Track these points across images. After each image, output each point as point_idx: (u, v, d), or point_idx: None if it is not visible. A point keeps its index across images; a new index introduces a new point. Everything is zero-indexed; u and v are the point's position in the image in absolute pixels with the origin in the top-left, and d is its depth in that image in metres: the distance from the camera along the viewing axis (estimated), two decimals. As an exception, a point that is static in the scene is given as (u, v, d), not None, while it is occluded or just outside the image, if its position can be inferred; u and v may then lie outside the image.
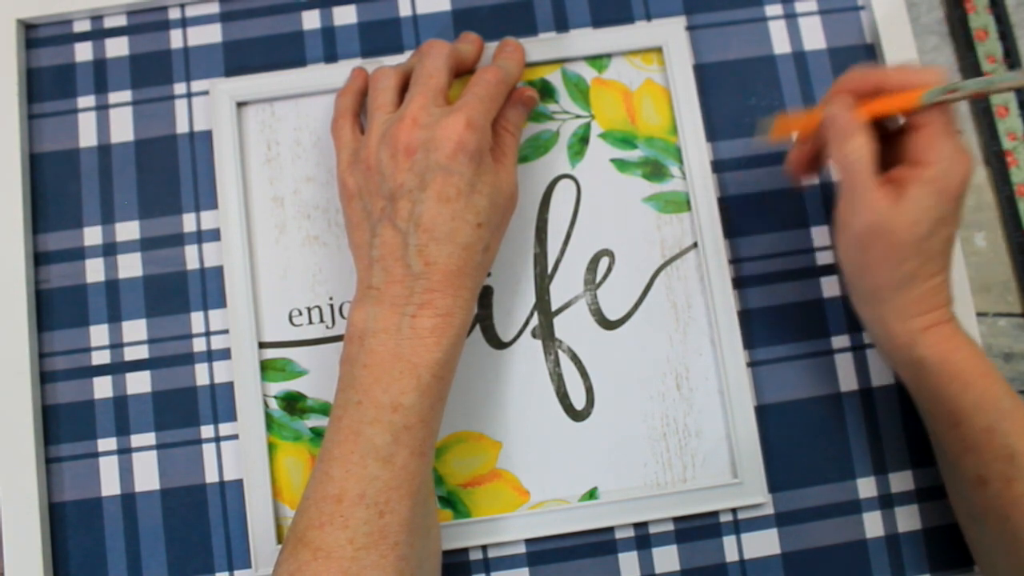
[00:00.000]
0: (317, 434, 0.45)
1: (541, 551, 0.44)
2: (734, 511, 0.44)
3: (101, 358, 0.45)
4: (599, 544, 0.44)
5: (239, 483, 0.44)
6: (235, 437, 0.45)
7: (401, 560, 0.36)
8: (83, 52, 0.49)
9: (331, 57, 0.48)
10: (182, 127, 0.48)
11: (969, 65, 0.50)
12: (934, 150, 0.37)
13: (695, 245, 0.46)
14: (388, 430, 0.37)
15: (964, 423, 0.38)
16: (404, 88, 0.43)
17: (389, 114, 0.41)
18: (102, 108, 0.48)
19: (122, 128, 0.48)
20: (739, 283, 0.46)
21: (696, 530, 0.44)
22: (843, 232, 0.39)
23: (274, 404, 0.45)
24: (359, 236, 0.41)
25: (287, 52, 0.48)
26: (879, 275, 0.38)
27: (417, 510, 0.37)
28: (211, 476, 0.44)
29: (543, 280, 0.46)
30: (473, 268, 0.39)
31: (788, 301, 0.46)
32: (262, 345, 0.45)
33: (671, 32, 0.48)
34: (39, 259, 0.46)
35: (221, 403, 0.45)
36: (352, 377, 0.38)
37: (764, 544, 0.44)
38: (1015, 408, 0.37)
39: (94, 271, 0.46)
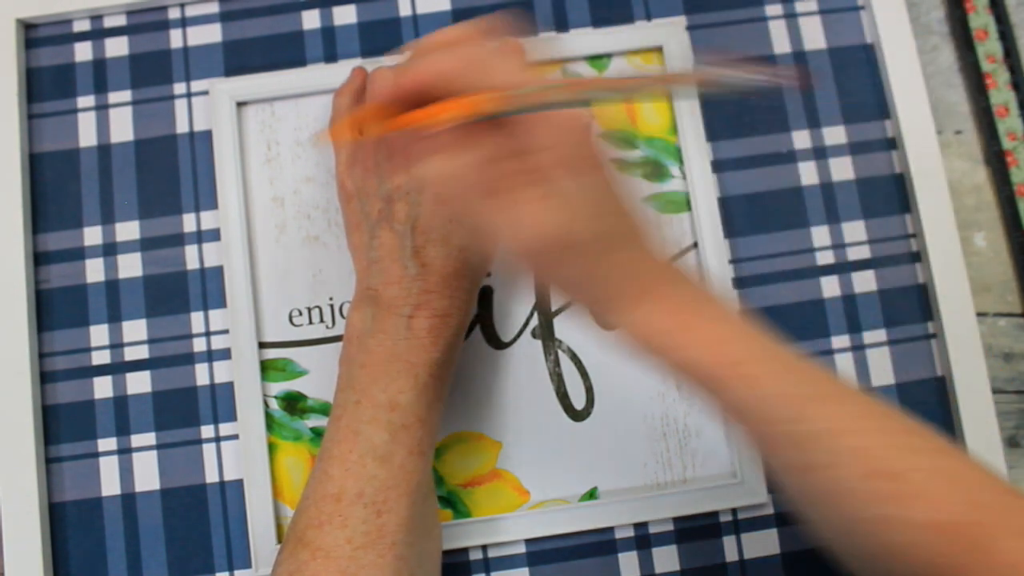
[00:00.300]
0: (317, 434, 0.45)
1: (541, 551, 0.44)
2: (734, 511, 0.44)
3: (101, 358, 0.45)
4: (599, 544, 0.44)
5: (239, 483, 0.44)
6: (235, 437, 0.45)
7: (399, 560, 0.36)
8: (83, 52, 0.48)
9: (331, 57, 0.48)
10: (182, 127, 0.48)
11: (969, 65, 0.50)
12: None
13: (695, 245, 0.46)
14: (386, 429, 0.37)
15: (744, 420, 0.33)
16: None
17: None
18: (102, 108, 0.48)
19: (122, 128, 0.48)
20: (739, 283, 0.46)
21: (696, 530, 0.44)
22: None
23: (274, 404, 0.45)
24: (357, 237, 0.41)
25: (287, 52, 0.48)
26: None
27: (416, 510, 0.37)
28: (211, 476, 0.44)
29: (543, 280, 0.46)
30: (470, 270, 0.40)
31: (788, 301, 0.46)
32: (262, 345, 0.45)
33: (671, 32, 0.48)
34: (39, 259, 0.46)
35: (221, 403, 0.45)
36: (351, 377, 0.38)
37: (764, 544, 0.44)
38: (784, 390, 0.32)
39: (94, 271, 0.46)
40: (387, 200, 0.40)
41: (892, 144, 0.48)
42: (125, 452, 0.45)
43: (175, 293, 0.46)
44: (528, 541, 0.44)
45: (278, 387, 0.45)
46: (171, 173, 0.47)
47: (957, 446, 0.31)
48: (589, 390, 0.45)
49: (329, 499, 0.36)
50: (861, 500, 0.30)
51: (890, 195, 0.47)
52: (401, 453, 0.37)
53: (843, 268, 0.46)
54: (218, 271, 0.46)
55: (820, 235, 0.47)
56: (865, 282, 0.46)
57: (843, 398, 0.32)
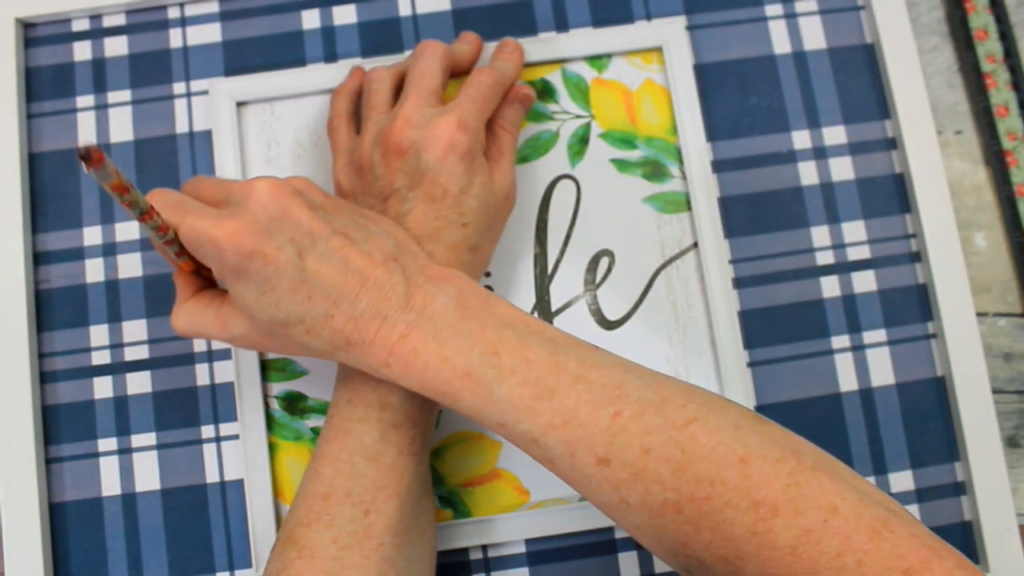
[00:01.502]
0: (318, 434, 0.45)
1: (541, 551, 0.44)
2: (734, 511, 0.44)
3: (101, 358, 0.45)
4: (599, 544, 0.44)
5: (240, 483, 0.44)
6: (236, 437, 0.45)
7: (384, 561, 0.36)
8: (82, 51, 0.48)
9: (331, 57, 0.48)
10: (182, 127, 0.48)
11: (969, 65, 0.50)
12: None
13: (695, 245, 0.46)
14: (376, 428, 0.37)
15: (483, 423, 0.34)
16: (399, 88, 0.44)
17: (383, 114, 0.42)
18: (101, 108, 0.48)
19: (121, 128, 0.48)
20: (739, 283, 0.46)
21: (696, 530, 0.44)
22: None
23: (275, 404, 0.45)
24: None
25: (287, 52, 0.48)
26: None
27: (406, 511, 0.37)
28: (212, 476, 0.44)
29: (543, 280, 0.46)
30: (461, 268, 0.40)
31: (788, 301, 0.46)
32: (262, 345, 0.45)
33: (671, 32, 0.48)
34: (39, 259, 0.46)
35: (222, 403, 0.45)
36: (344, 375, 0.39)
37: (764, 544, 0.44)
38: (511, 393, 0.32)
39: (94, 271, 0.46)
40: (381, 198, 0.40)
41: (892, 144, 0.48)
42: (125, 452, 0.45)
43: (175, 292, 0.46)
44: (528, 541, 0.44)
45: (279, 387, 0.45)
46: (171, 173, 0.47)
47: (695, 411, 0.31)
48: (589, 390, 0.45)
49: (318, 497, 0.36)
50: (598, 487, 0.32)
51: (890, 195, 0.47)
52: (391, 452, 0.37)
53: (843, 268, 0.46)
54: (218, 271, 0.46)
55: (820, 235, 0.47)
56: (865, 282, 0.46)
57: (572, 385, 0.32)
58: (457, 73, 0.45)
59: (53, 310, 0.46)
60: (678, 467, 0.30)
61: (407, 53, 0.48)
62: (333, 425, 0.38)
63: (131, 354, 0.45)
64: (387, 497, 0.36)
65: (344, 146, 0.43)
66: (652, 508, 0.31)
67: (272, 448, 0.45)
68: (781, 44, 0.49)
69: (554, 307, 0.46)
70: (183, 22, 0.49)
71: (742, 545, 0.29)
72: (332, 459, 0.37)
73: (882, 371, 0.46)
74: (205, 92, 0.48)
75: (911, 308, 0.46)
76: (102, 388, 0.45)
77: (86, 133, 0.47)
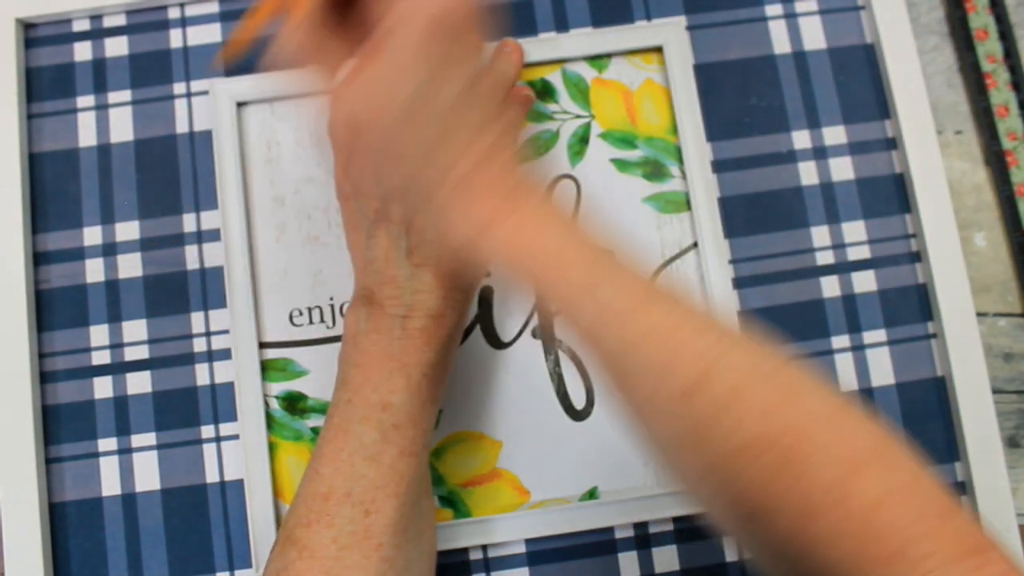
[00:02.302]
0: (318, 434, 0.45)
1: (541, 551, 0.44)
2: (734, 511, 0.44)
3: (101, 358, 0.45)
4: (599, 544, 0.44)
5: (240, 483, 0.44)
6: (236, 437, 0.45)
7: (384, 562, 0.36)
8: (82, 52, 0.48)
9: (331, 57, 0.48)
10: (182, 127, 0.48)
11: (969, 65, 0.50)
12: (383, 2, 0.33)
13: (695, 245, 0.46)
14: (376, 428, 0.37)
15: (571, 327, 0.33)
16: None
17: None
18: (102, 108, 0.48)
19: (122, 128, 0.48)
20: (739, 283, 0.46)
21: (696, 530, 0.44)
22: (332, 134, 0.36)
23: (275, 404, 0.45)
24: (355, 237, 0.42)
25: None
26: (393, 172, 0.34)
27: (405, 511, 0.37)
28: (212, 476, 0.44)
29: (543, 280, 0.46)
30: (466, 271, 0.40)
31: (788, 301, 0.46)
32: (263, 345, 0.45)
33: (671, 32, 0.48)
34: (39, 259, 0.46)
35: (222, 403, 0.45)
36: (345, 376, 0.39)
37: (764, 544, 0.44)
38: (611, 300, 0.31)
39: (94, 271, 0.46)
40: (383, 200, 0.40)
41: (892, 144, 0.48)
42: (125, 452, 0.45)
43: (175, 293, 0.46)
44: (528, 541, 0.44)
45: (279, 387, 0.45)
46: (171, 173, 0.47)
47: (791, 365, 0.30)
48: (589, 390, 0.45)
49: (318, 498, 0.36)
50: (679, 416, 0.30)
51: (890, 195, 0.47)
52: (391, 453, 0.37)
53: (843, 268, 0.46)
54: (218, 271, 0.46)
55: (820, 235, 0.47)
56: (865, 282, 0.46)
57: (670, 309, 0.31)
58: None
59: (53, 310, 0.46)
60: (767, 411, 0.29)
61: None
62: (333, 425, 0.38)
63: (131, 354, 0.45)
64: (387, 497, 0.36)
65: (344, 147, 0.43)
66: (730, 448, 0.29)
67: (272, 448, 0.45)
68: (781, 44, 0.49)
69: (554, 307, 0.46)
70: (183, 22, 0.49)
71: (818, 499, 0.28)
72: (332, 459, 0.37)
73: (882, 371, 0.46)
74: (205, 92, 0.48)
75: (911, 308, 0.46)
76: (102, 388, 0.45)
77: (86, 133, 0.47)
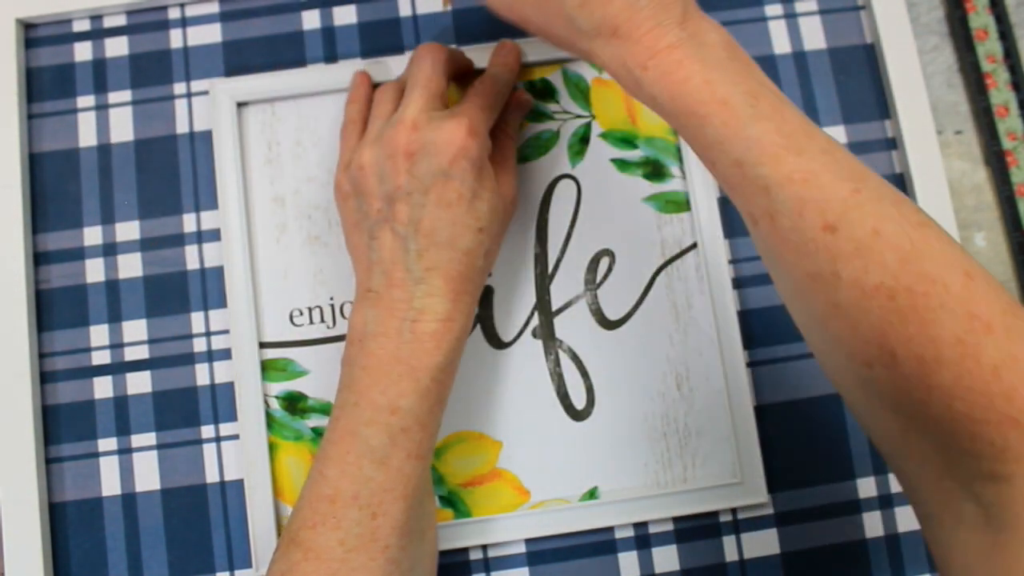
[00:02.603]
0: (318, 434, 0.45)
1: (541, 551, 0.44)
2: (734, 511, 0.44)
3: (101, 358, 0.45)
4: (599, 544, 0.44)
5: (240, 483, 0.44)
6: (236, 437, 0.45)
7: (391, 563, 0.36)
8: (83, 52, 0.48)
9: (331, 57, 0.48)
10: (182, 127, 0.48)
11: (969, 65, 0.50)
12: None
13: (695, 245, 0.46)
14: (385, 432, 0.37)
15: (715, 161, 0.33)
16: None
17: (385, 120, 0.42)
18: (102, 108, 0.48)
19: (122, 128, 0.48)
20: (739, 283, 0.46)
21: (696, 530, 0.44)
22: None
23: (275, 404, 0.45)
24: (356, 237, 0.41)
25: (287, 52, 0.48)
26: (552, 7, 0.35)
27: (411, 513, 0.37)
28: (212, 476, 0.44)
29: (543, 280, 0.46)
30: (474, 273, 0.40)
31: (788, 301, 0.46)
32: (263, 345, 0.45)
33: (671, 32, 0.47)
34: (39, 259, 0.46)
35: (222, 403, 0.45)
36: (351, 378, 0.38)
37: (764, 544, 0.44)
38: (763, 135, 0.32)
39: (94, 271, 0.46)
40: (387, 200, 0.39)
41: (892, 144, 0.48)
42: (125, 452, 0.45)
43: (175, 293, 0.46)
44: (528, 541, 0.44)
45: (278, 387, 0.45)
46: (171, 173, 0.47)
47: (931, 223, 0.31)
48: (589, 390, 0.45)
49: (324, 500, 0.36)
50: (814, 252, 0.31)
51: (890, 195, 0.47)
52: (399, 456, 0.37)
53: (843, 268, 0.46)
54: (218, 271, 0.46)
55: (820, 235, 0.47)
56: (865, 282, 0.46)
57: (821, 153, 0.32)
58: (456, 76, 0.45)
59: (53, 310, 0.46)
60: (904, 257, 0.30)
61: (407, 54, 0.48)
62: (339, 428, 0.38)
63: (131, 354, 0.45)
64: (394, 500, 0.36)
65: (345, 146, 0.44)
66: (864, 288, 0.30)
67: (272, 448, 0.45)
68: (781, 44, 0.49)
69: (554, 307, 0.46)
70: (183, 22, 0.49)
71: (945, 349, 0.28)
72: (338, 462, 0.37)
73: (882, 371, 0.46)
74: (205, 92, 0.48)
75: (911, 308, 0.46)
76: (102, 388, 0.45)
77: (86, 133, 0.47)
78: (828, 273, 0.31)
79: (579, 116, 0.48)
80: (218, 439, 0.45)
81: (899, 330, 0.29)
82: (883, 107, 0.48)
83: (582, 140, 0.48)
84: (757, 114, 0.32)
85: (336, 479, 0.36)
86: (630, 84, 0.34)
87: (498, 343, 0.46)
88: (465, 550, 0.44)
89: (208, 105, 0.47)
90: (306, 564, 0.35)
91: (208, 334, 0.46)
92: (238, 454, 0.45)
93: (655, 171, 0.47)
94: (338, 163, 0.43)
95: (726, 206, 0.47)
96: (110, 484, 0.44)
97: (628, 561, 0.44)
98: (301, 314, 0.46)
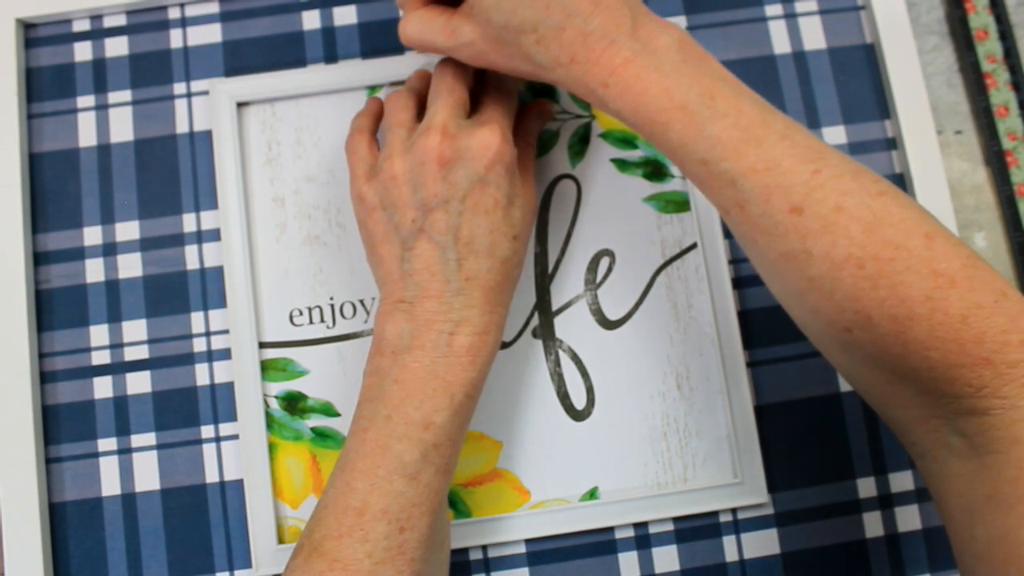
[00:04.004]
0: (318, 434, 0.45)
1: (541, 551, 0.44)
2: (734, 511, 0.44)
3: (101, 358, 0.45)
4: (599, 544, 0.44)
5: (239, 483, 0.44)
6: (235, 437, 0.45)
7: (416, 575, 0.36)
8: (83, 52, 0.48)
9: (331, 57, 0.48)
10: (182, 127, 0.48)
11: (969, 65, 0.50)
12: None
13: (695, 245, 0.46)
14: (417, 447, 0.36)
15: (683, 162, 0.35)
16: (421, 110, 0.43)
17: (409, 129, 0.41)
18: (102, 108, 0.48)
19: (122, 128, 0.48)
20: (739, 283, 0.46)
21: (696, 530, 0.44)
22: None
23: (274, 404, 0.45)
24: (386, 249, 0.40)
25: (287, 52, 0.48)
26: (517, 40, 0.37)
27: (435, 526, 0.37)
28: (211, 476, 0.44)
29: (543, 280, 0.46)
30: (509, 283, 0.39)
31: (788, 301, 0.46)
32: (262, 345, 0.45)
33: (671, 32, 0.48)
34: (39, 259, 0.46)
35: (221, 403, 0.45)
36: (381, 390, 0.37)
37: (764, 544, 0.44)
38: (721, 132, 0.34)
39: (94, 271, 0.46)
40: (423, 209, 0.38)
41: (892, 144, 0.48)
42: (125, 452, 0.45)
43: (175, 293, 0.46)
44: (528, 541, 0.44)
45: (278, 387, 0.45)
46: (171, 173, 0.47)
47: (890, 191, 0.33)
48: (590, 390, 0.45)
49: (351, 512, 0.36)
50: (785, 234, 0.33)
51: (890, 195, 0.47)
52: (429, 472, 0.36)
53: (843, 268, 0.46)
54: (218, 271, 0.46)
55: (820, 235, 0.47)
56: (865, 282, 0.46)
57: (779, 139, 0.34)
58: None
59: (53, 310, 0.46)
60: (868, 228, 0.32)
61: (407, 54, 0.48)
62: (369, 440, 0.37)
63: (131, 354, 0.45)
64: (421, 515, 0.36)
65: (366, 160, 0.42)
66: (834, 260, 0.32)
67: (272, 448, 0.45)
68: (781, 44, 0.49)
69: (554, 306, 0.46)
70: (183, 23, 0.49)
71: (915, 307, 0.31)
72: (368, 475, 0.36)
73: (882, 371, 0.46)
74: (205, 92, 0.48)
75: (911, 308, 0.46)
76: (102, 388, 0.45)
77: (86, 133, 0.47)
78: (799, 251, 0.33)
79: (579, 116, 0.48)
80: (218, 439, 0.45)
81: (871, 295, 0.32)
82: (883, 107, 0.48)
83: (582, 140, 0.48)
84: (714, 113, 0.34)
85: (365, 492, 0.36)
86: (596, 102, 0.36)
87: (498, 343, 0.46)
88: (465, 550, 0.44)
89: (208, 105, 0.47)
90: (332, 574, 0.35)
91: (208, 334, 0.46)
92: (238, 454, 0.45)
93: (655, 171, 0.47)
94: (352, 175, 0.42)
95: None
96: (110, 484, 0.44)
97: (628, 561, 0.44)
98: (301, 314, 0.46)
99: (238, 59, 0.48)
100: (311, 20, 0.49)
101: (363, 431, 0.37)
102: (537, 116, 0.45)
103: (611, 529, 0.44)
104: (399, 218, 0.39)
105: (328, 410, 0.45)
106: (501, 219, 0.39)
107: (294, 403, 0.45)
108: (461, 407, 0.37)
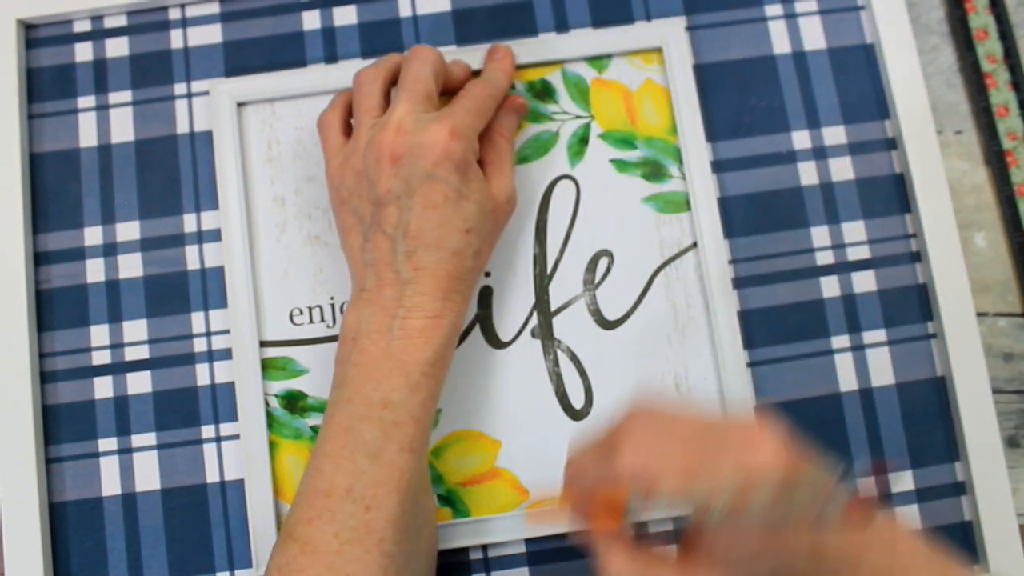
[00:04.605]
0: (318, 432, 0.45)
1: (541, 551, 0.44)
2: (734, 511, 0.44)
3: (101, 358, 0.45)
4: (599, 544, 0.44)
5: (240, 483, 0.44)
6: (236, 437, 0.45)
7: (386, 557, 0.36)
8: (83, 52, 0.49)
9: (331, 57, 0.48)
10: (182, 127, 0.48)
11: (969, 65, 0.50)
12: None
13: (695, 245, 0.46)
14: (377, 426, 0.37)
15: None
16: (390, 88, 0.43)
17: (375, 118, 0.42)
18: (102, 108, 0.48)
19: (122, 128, 0.48)
20: (739, 283, 0.46)
21: (696, 530, 0.44)
22: None
23: (275, 403, 0.45)
24: (352, 239, 0.42)
25: (287, 52, 0.48)
26: None
27: (406, 507, 0.37)
28: (212, 476, 0.44)
29: (542, 280, 0.46)
30: (464, 272, 0.40)
31: (787, 301, 0.46)
32: (263, 344, 0.45)
33: (671, 32, 0.48)
34: (39, 259, 0.46)
35: (222, 403, 0.45)
36: (344, 375, 0.39)
37: (764, 544, 0.44)
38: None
39: (94, 271, 0.46)
40: (377, 204, 0.40)
41: (892, 144, 0.48)
42: (125, 452, 0.45)
43: (175, 293, 0.46)
44: (528, 541, 0.44)
45: (279, 386, 0.45)
46: (171, 173, 0.47)
47: None
48: (588, 390, 0.45)
49: (319, 494, 0.37)
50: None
51: (890, 195, 0.47)
52: (392, 450, 0.37)
53: (843, 268, 0.46)
54: (218, 271, 0.46)
55: (820, 235, 0.47)
56: (865, 282, 0.46)
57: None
58: (452, 86, 0.45)
59: (53, 310, 0.46)
60: None
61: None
62: (333, 424, 0.38)
63: (131, 354, 0.46)
64: (387, 494, 0.37)
65: (336, 148, 0.43)
66: None
67: (272, 447, 0.45)
68: (781, 44, 0.49)
69: (553, 307, 0.46)
70: (184, 23, 0.49)
71: None
72: (333, 457, 0.37)
73: (882, 371, 0.46)
74: (206, 93, 0.48)
75: (911, 308, 0.46)
76: (102, 388, 0.45)
77: (87, 134, 0.48)
78: None
79: (578, 117, 0.48)
80: (218, 439, 0.45)
81: None
82: (883, 107, 0.48)
83: (581, 141, 0.48)
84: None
85: (331, 473, 0.37)
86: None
87: (497, 343, 0.46)
88: (465, 550, 0.44)
89: (208, 105, 0.47)
90: (303, 558, 0.36)
91: (208, 334, 0.46)
92: (238, 454, 0.45)
93: (654, 172, 0.47)
94: (326, 164, 0.43)
95: (726, 206, 0.47)
96: (110, 484, 0.44)
97: (628, 561, 0.44)
98: (301, 313, 0.46)
99: (238, 59, 0.48)
100: (311, 20, 0.49)
101: (330, 416, 0.39)
102: (510, 110, 0.46)
103: (611, 529, 0.44)
104: (362, 211, 0.41)
105: (328, 410, 0.45)
106: (451, 213, 0.39)
107: (294, 402, 0.45)
108: (418, 386, 0.38)
